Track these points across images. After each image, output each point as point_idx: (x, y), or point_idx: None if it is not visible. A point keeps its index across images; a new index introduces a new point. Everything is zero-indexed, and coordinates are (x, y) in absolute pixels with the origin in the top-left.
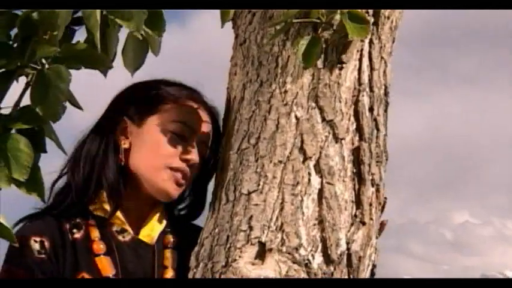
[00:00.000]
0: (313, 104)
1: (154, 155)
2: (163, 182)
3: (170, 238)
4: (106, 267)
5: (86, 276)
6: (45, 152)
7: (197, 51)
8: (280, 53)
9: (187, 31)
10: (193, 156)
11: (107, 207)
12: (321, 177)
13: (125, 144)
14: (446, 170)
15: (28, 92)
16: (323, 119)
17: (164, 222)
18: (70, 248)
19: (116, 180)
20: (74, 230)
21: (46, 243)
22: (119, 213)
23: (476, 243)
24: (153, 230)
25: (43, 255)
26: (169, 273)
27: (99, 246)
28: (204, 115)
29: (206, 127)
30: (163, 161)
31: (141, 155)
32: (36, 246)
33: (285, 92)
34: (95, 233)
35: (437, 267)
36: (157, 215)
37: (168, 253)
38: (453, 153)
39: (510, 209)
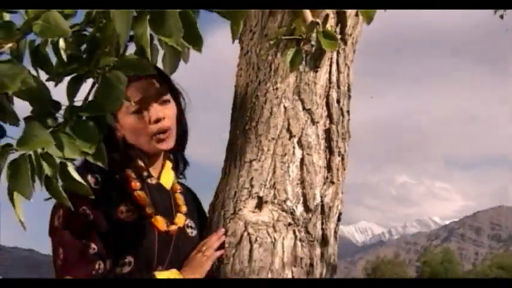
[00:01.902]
0: (297, 97)
1: (138, 137)
2: (155, 148)
3: (178, 186)
4: (143, 198)
5: (129, 205)
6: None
7: (213, 59)
8: (273, 61)
9: (205, 45)
10: (159, 114)
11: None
12: (302, 150)
13: (120, 139)
14: (393, 146)
15: (94, 90)
16: (303, 108)
17: (173, 174)
18: (115, 184)
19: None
20: (116, 173)
21: (99, 179)
22: (143, 165)
23: (412, 198)
24: (168, 178)
25: (97, 186)
26: (183, 208)
27: (136, 184)
28: (149, 82)
29: (156, 89)
30: (146, 135)
31: (132, 140)
32: (92, 180)
33: (276, 88)
34: (132, 175)
35: (385, 214)
36: (170, 168)
37: (178, 195)
38: (398, 135)
39: (436, 173)
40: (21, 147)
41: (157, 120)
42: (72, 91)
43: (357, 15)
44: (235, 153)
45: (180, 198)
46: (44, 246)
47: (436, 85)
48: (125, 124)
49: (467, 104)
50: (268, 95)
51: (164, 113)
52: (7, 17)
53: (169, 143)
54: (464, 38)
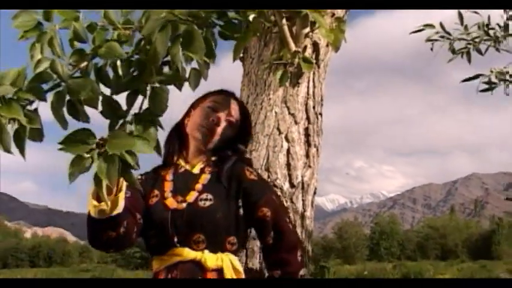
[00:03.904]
0: (284, 105)
1: (195, 122)
2: (197, 134)
3: (207, 168)
4: (167, 186)
5: (156, 191)
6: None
7: (221, 78)
8: (267, 79)
9: (215, 67)
10: (215, 119)
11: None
12: (288, 143)
13: (187, 121)
14: (351, 139)
15: (145, 100)
16: (289, 113)
17: (205, 161)
18: (154, 175)
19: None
20: (161, 169)
21: (142, 174)
22: (181, 160)
23: (366, 178)
24: (198, 166)
25: (139, 178)
26: (199, 186)
27: (168, 176)
28: (233, 102)
29: (234, 111)
30: (198, 124)
31: (191, 123)
32: (138, 176)
33: (269, 99)
34: (167, 169)
35: (347, 189)
36: (203, 159)
37: (203, 175)
38: (355, 132)
39: (383, 159)
40: (112, 150)
41: (213, 121)
42: (130, 102)
43: (327, 45)
44: None
45: (202, 178)
46: None
47: (380, 96)
48: (194, 114)
49: (404, 110)
50: (263, 103)
51: (220, 124)
52: (77, 45)
53: (202, 139)
54: (401, 59)
